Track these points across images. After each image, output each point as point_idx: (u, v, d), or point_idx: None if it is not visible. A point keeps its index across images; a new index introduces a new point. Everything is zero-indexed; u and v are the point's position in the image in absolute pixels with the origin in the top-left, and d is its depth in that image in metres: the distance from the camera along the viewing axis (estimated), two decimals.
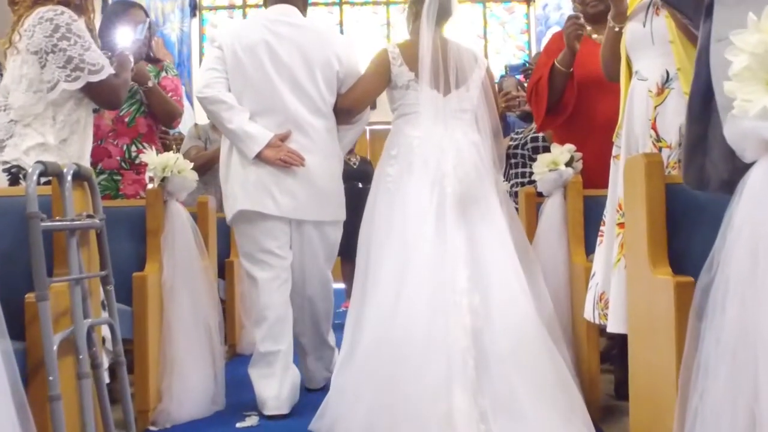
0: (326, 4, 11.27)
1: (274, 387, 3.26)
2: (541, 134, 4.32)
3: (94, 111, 3.00)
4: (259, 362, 3.33)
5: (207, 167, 5.05)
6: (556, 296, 3.25)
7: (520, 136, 4.49)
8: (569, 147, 3.35)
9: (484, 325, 2.81)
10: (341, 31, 11.15)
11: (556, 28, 3.68)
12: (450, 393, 2.67)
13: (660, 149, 2.67)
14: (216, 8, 11.44)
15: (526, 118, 4.77)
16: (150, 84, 3.81)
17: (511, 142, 4.51)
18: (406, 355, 2.73)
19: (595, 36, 3.67)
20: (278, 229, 3.32)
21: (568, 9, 10.66)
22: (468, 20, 11.12)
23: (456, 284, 2.84)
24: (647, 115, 2.72)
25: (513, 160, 4.50)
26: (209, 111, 3.28)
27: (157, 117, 3.93)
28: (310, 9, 10.46)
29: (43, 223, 2.01)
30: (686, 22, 2.02)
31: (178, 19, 11.08)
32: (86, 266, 2.30)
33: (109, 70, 2.81)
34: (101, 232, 2.37)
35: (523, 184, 4.38)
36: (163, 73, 4.03)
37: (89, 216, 2.26)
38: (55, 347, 2.01)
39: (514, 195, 4.45)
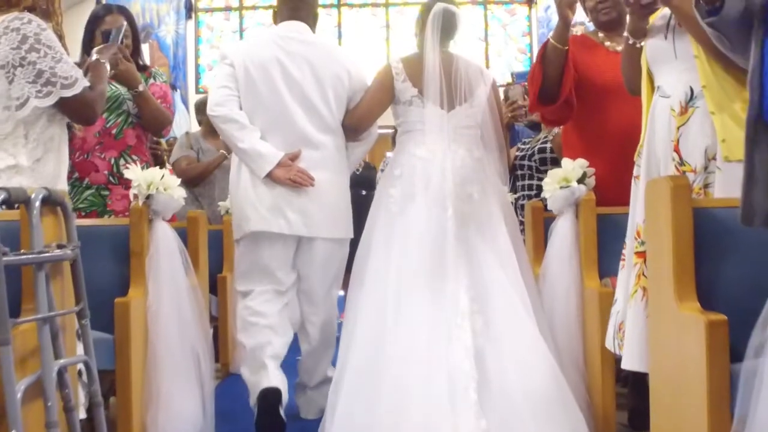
0: (324, 6, 11.06)
1: (268, 374, 3.23)
2: (548, 145, 4.13)
3: (69, 126, 2.79)
4: (249, 359, 3.33)
5: (199, 179, 4.87)
6: (568, 322, 3.06)
7: (528, 146, 4.29)
8: (581, 162, 3.14)
9: (485, 344, 2.81)
10: (339, 34, 10.99)
11: None
12: (452, 415, 2.65)
13: (683, 174, 2.46)
14: (212, 10, 11.26)
15: (534, 127, 4.57)
16: (140, 88, 3.59)
17: (517, 153, 4.32)
18: (406, 377, 2.72)
19: (607, 43, 3.47)
20: (283, 250, 3.30)
21: None
22: (469, 22, 10.94)
23: (458, 307, 2.83)
24: (670, 135, 2.50)
25: (520, 172, 4.30)
26: (221, 129, 3.28)
27: (146, 124, 3.71)
28: None
29: (5, 258, 1.81)
30: (724, 48, 1.83)
31: (174, 21, 10.93)
32: (58, 300, 2.10)
33: (83, 83, 2.58)
34: (76, 262, 2.17)
35: (530, 197, 4.19)
36: (152, 80, 3.81)
37: (60, 246, 2.05)
38: (19, 395, 1.81)
39: (521, 208, 4.28)
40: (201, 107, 5.32)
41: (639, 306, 2.48)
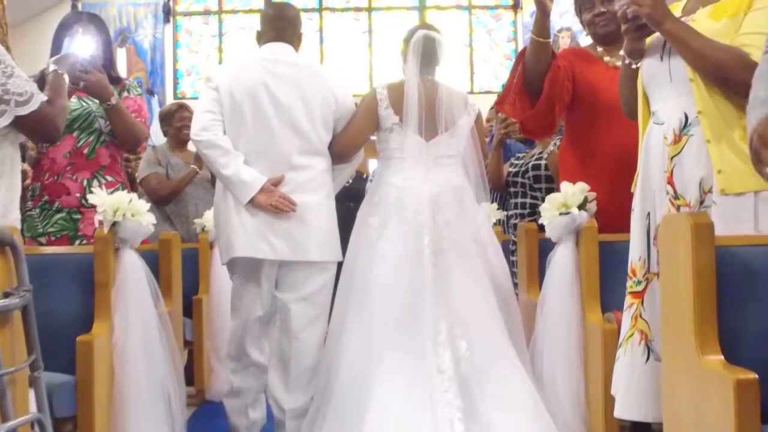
0: (305, 10, 10.80)
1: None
2: (543, 162, 3.92)
3: (22, 147, 2.54)
4: (233, 398, 3.33)
5: (171, 198, 4.62)
6: (568, 360, 2.85)
7: (521, 162, 4.08)
8: (582, 186, 2.93)
9: (470, 373, 2.82)
10: (321, 39, 10.76)
11: None
12: None
13: (678, 208, 2.25)
14: (191, 14, 10.95)
15: (527, 141, 4.36)
16: (113, 101, 3.32)
17: (510, 169, 4.11)
18: (390, 411, 2.74)
19: (607, 58, 3.27)
20: (269, 275, 3.21)
21: (556, 16, 10.30)
22: (453, 28, 10.74)
23: (437, 337, 2.85)
24: (664, 166, 2.30)
25: (512, 189, 4.09)
26: (204, 155, 3.21)
27: (120, 140, 3.45)
28: None
29: None
30: None
31: (151, 25, 10.65)
32: (7, 353, 1.87)
33: (40, 98, 2.34)
34: (27, 307, 1.93)
35: (522, 216, 3.97)
36: (125, 93, 3.54)
37: (7, 294, 1.82)
38: None
39: (513, 227, 4.07)
40: (166, 117, 4.99)
41: (636, 351, 2.33)
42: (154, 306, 2.90)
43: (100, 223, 2.81)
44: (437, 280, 2.93)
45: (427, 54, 3.18)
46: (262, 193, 3.10)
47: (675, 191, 2.26)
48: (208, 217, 4.50)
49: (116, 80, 3.55)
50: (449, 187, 3.10)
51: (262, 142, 3.16)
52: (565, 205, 2.88)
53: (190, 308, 4.35)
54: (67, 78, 2.67)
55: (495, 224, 4.57)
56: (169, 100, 10.35)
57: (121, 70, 8.94)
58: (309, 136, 3.19)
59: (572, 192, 2.90)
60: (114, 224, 2.79)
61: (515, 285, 3.98)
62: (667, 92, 2.33)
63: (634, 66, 2.46)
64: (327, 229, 3.24)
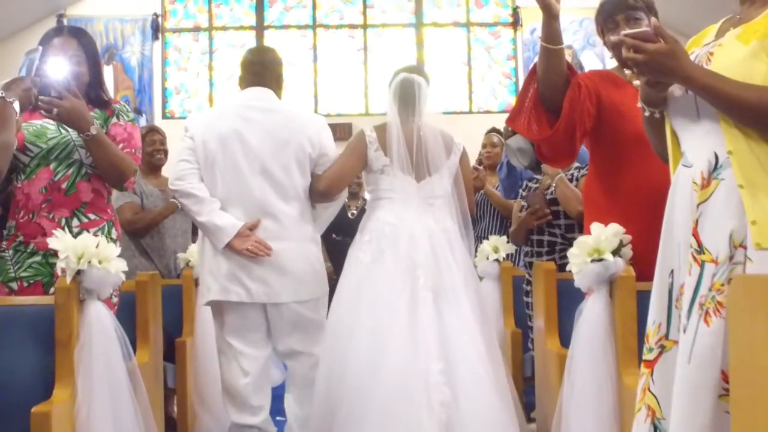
0: (299, 27, 10.52)
1: None
2: None
3: None
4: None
5: (147, 231, 4.28)
6: (600, 429, 2.48)
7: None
8: (616, 229, 2.57)
9: (455, 420, 2.89)
10: (315, 56, 10.47)
11: None
12: None
13: (702, 264, 1.88)
14: (180, 30, 10.63)
15: (536, 168, 4.00)
16: (92, 131, 2.82)
17: (524, 203, 3.77)
18: None
19: (636, 82, 2.91)
20: (251, 320, 3.26)
21: None
22: (451, 45, 10.48)
23: (429, 378, 2.91)
24: (691, 215, 1.94)
25: None
26: (181, 203, 3.38)
27: (104, 175, 2.98)
28: (282, 32, 9.91)
29: None
30: None
31: (139, 42, 10.36)
32: None
33: None
34: None
35: (540, 255, 3.62)
36: (114, 119, 3.05)
37: None
38: None
39: (528, 266, 3.72)
40: None
41: (641, 429, 2.05)
42: (125, 365, 2.53)
43: (63, 270, 2.44)
44: (430, 323, 2.99)
45: (406, 97, 3.26)
46: (237, 238, 3.16)
47: (699, 244, 1.90)
48: (192, 251, 4.17)
49: (105, 103, 3.09)
50: (439, 229, 3.18)
51: (235, 188, 3.22)
52: (597, 250, 2.51)
53: (173, 351, 3.99)
54: (17, 106, 2.29)
55: (504, 259, 4.26)
56: (158, 119, 10.06)
57: (108, 88, 8.61)
58: (282, 182, 3.24)
59: (605, 236, 2.53)
60: (78, 272, 2.44)
61: (530, 329, 3.67)
62: (696, 130, 1.98)
63: (656, 115, 2.11)
64: (305, 272, 3.28)
